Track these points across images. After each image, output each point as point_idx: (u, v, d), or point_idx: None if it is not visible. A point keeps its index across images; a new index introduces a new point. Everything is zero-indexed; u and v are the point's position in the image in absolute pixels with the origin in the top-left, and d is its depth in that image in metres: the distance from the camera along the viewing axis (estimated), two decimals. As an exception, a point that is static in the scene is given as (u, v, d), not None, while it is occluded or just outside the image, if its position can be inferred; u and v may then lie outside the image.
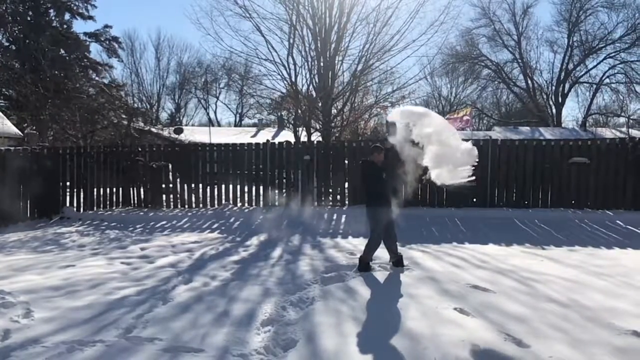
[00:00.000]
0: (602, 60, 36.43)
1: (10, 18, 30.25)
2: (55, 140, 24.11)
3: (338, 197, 12.04)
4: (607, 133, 28.70)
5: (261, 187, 12.20)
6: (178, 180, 12.66)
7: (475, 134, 26.27)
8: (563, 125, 37.89)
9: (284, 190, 12.16)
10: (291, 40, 16.63)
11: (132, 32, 60.19)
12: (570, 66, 37.44)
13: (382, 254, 6.61)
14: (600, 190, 10.99)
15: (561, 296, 5.18)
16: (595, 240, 8.61)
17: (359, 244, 7.72)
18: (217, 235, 9.37)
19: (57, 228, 10.50)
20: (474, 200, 11.24)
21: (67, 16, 32.68)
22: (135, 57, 47.07)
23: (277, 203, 12.01)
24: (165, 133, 21.82)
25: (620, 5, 34.72)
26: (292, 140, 16.14)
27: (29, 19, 30.76)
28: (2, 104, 27.64)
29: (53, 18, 32.48)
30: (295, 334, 4.26)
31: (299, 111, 18.73)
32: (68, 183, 12.48)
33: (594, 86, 37.30)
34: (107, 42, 34.88)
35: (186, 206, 12.36)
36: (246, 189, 12.31)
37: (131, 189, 12.60)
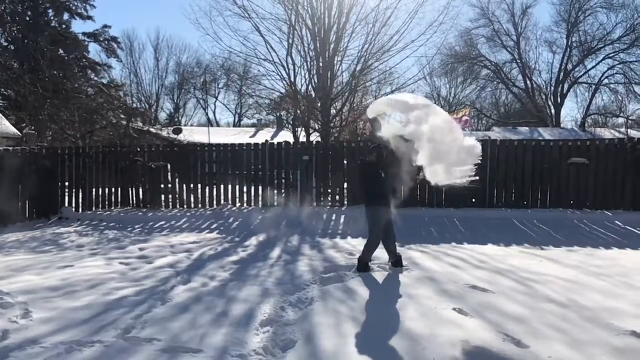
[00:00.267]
0: (601, 61, 36.56)
1: (9, 18, 30.21)
2: (53, 140, 24.09)
3: (337, 197, 12.04)
4: (606, 133, 28.74)
5: (260, 187, 12.19)
6: (177, 180, 12.64)
7: (474, 134, 26.28)
8: (562, 125, 37.95)
9: (282, 191, 12.16)
10: (290, 41, 16.63)
11: (131, 32, 60.37)
12: (569, 66, 37.52)
13: (381, 254, 6.60)
14: (599, 191, 11.00)
15: (560, 296, 5.18)
16: (594, 240, 8.62)
17: (358, 244, 7.72)
18: (216, 236, 9.36)
19: (56, 228, 10.48)
20: (473, 200, 11.25)
21: (65, 16, 32.65)
22: (134, 57, 47.14)
23: (275, 203, 12.01)
24: (164, 133, 21.83)
25: (619, 6, 34.85)
26: (291, 140, 16.13)
27: (27, 18, 30.72)
28: (0, 104, 27.63)
29: (52, 18, 32.45)
30: (294, 334, 4.25)
31: (298, 111, 18.73)
32: (67, 183, 12.46)
33: (593, 86, 37.40)
34: (106, 42, 34.84)
35: (185, 206, 12.35)
36: (245, 189, 12.30)
37: (130, 189, 12.58)
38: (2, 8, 29.50)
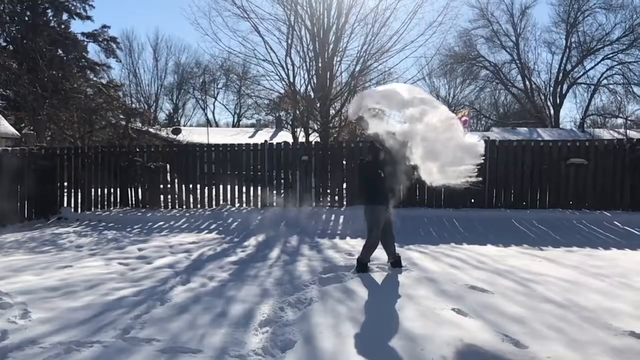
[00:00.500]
0: (600, 62, 36.61)
1: (7, 18, 30.21)
2: (52, 141, 24.04)
3: (336, 197, 12.04)
4: (605, 134, 28.77)
5: (259, 188, 12.19)
6: (176, 180, 12.65)
7: (473, 134, 26.23)
8: (561, 126, 38.00)
9: (281, 191, 12.17)
10: (289, 41, 16.63)
11: (130, 33, 60.35)
12: (568, 67, 37.57)
13: (380, 254, 6.60)
14: (598, 191, 11.02)
15: (559, 297, 5.19)
16: (592, 241, 8.63)
17: (357, 244, 7.72)
18: (215, 236, 9.36)
19: (55, 228, 10.48)
20: (472, 200, 11.25)
21: (65, 16, 32.66)
22: (133, 57, 47.18)
23: (275, 203, 12.01)
24: (164, 133, 21.76)
25: (618, 7, 34.91)
26: (290, 140, 16.15)
27: (26, 19, 30.72)
28: (-1, 104, 27.62)
29: (51, 18, 32.45)
30: (293, 334, 4.25)
31: (297, 112, 18.73)
32: (66, 183, 12.46)
33: (592, 87, 37.47)
34: (105, 43, 34.85)
35: (184, 207, 12.35)
36: (244, 189, 12.30)
37: (129, 189, 12.58)
38: (1, 8, 29.50)
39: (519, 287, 5.59)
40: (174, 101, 51.84)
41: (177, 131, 22.56)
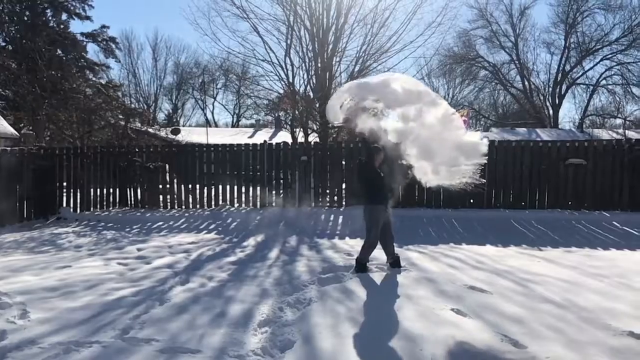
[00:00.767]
0: (598, 62, 36.68)
1: (7, 18, 30.19)
2: (52, 141, 24.02)
3: (335, 197, 12.04)
4: (604, 134, 28.79)
5: (258, 188, 12.19)
6: (175, 180, 12.65)
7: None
8: (560, 126, 38.04)
9: (281, 191, 12.17)
10: (289, 41, 16.64)
11: (129, 33, 60.13)
12: (567, 67, 37.64)
13: (379, 254, 6.60)
14: (596, 191, 11.02)
15: (558, 297, 5.19)
16: (591, 241, 8.63)
17: (356, 244, 7.71)
18: (214, 236, 9.36)
19: (54, 229, 10.47)
20: (471, 201, 11.25)
21: (64, 16, 32.63)
22: (132, 57, 47.14)
23: (274, 204, 12.01)
24: (163, 133, 21.78)
25: (617, 7, 34.98)
26: (289, 141, 16.14)
27: (25, 18, 30.70)
28: (-2, 104, 27.59)
29: (50, 18, 32.43)
30: (293, 335, 4.25)
31: (296, 112, 18.75)
32: (65, 183, 12.45)
33: (591, 87, 37.53)
34: (104, 43, 34.83)
35: (183, 207, 12.35)
36: (243, 189, 12.30)
37: (128, 189, 12.58)
38: (0, 8, 29.47)
39: (518, 288, 5.59)
40: (173, 101, 51.86)
41: (176, 131, 22.57)
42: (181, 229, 10.24)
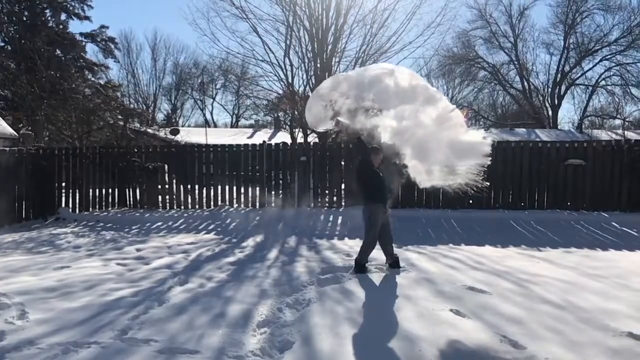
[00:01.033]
0: (598, 63, 36.63)
1: (6, 18, 30.15)
2: (50, 141, 24.03)
3: (334, 198, 12.04)
4: (603, 135, 28.79)
5: (257, 188, 12.19)
6: (174, 181, 12.64)
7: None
8: (559, 127, 38.03)
9: (280, 192, 12.16)
10: (288, 42, 16.64)
11: (128, 33, 59.80)
12: (567, 68, 37.62)
13: (378, 255, 6.60)
14: (595, 192, 11.03)
15: (557, 298, 5.19)
16: (590, 241, 8.63)
17: (355, 245, 7.71)
18: (213, 237, 9.35)
19: (53, 229, 10.46)
20: (470, 201, 11.24)
21: (63, 16, 32.56)
22: (131, 57, 46.95)
23: (273, 204, 12.01)
24: (162, 134, 21.75)
25: (616, 8, 34.95)
26: (289, 141, 16.15)
27: (24, 19, 30.64)
28: (-3, 105, 27.55)
29: (49, 18, 32.37)
30: (292, 335, 4.25)
31: (296, 112, 18.73)
32: (64, 184, 12.45)
33: (590, 88, 37.51)
34: (103, 43, 34.77)
35: (182, 207, 12.34)
36: (242, 190, 12.29)
37: (127, 189, 12.57)
38: (-1, 8, 29.46)
39: (517, 288, 5.59)
40: (172, 101, 51.73)
41: (175, 131, 22.54)
42: (180, 230, 10.23)
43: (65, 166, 12.39)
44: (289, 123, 23.27)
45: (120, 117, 19.45)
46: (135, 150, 12.90)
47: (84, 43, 33.62)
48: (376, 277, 6.13)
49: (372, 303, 5.21)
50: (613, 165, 10.99)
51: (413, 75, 5.95)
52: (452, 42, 37.15)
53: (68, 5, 32.21)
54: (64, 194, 12.41)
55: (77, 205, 12.36)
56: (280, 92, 18.56)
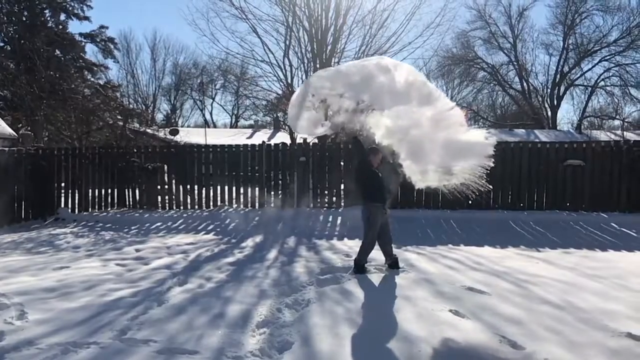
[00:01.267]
0: (597, 63, 36.68)
1: (5, 18, 30.14)
2: (50, 141, 24.02)
3: (334, 198, 12.03)
4: (602, 136, 28.81)
5: (257, 189, 12.18)
6: (173, 181, 12.63)
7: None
8: (558, 127, 38.04)
9: (279, 192, 12.16)
10: (287, 42, 16.66)
11: (127, 33, 59.68)
12: (566, 69, 37.66)
13: (377, 255, 6.60)
14: (595, 193, 11.03)
15: (556, 298, 5.20)
16: (589, 242, 8.64)
17: (355, 245, 7.71)
18: (213, 237, 9.35)
19: (52, 229, 10.45)
20: (469, 202, 11.23)
21: (62, 17, 32.56)
22: (131, 58, 46.93)
23: (272, 204, 12.00)
24: (161, 134, 21.77)
25: (615, 9, 35.03)
26: (288, 141, 16.13)
27: (24, 19, 30.64)
28: (-3, 105, 27.54)
29: (49, 18, 32.36)
30: (291, 335, 4.25)
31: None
32: (63, 184, 12.44)
33: (589, 89, 37.56)
34: (103, 43, 34.75)
35: (181, 207, 12.34)
36: (242, 190, 12.29)
37: (126, 190, 12.56)
38: (-1, 8, 29.45)
39: (516, 289, 5.59)
40: (172, 102, 51.70)
41: (174, 132, 22.55)
42: (179, 230, 10.23)
43: (65, 166, 12.39)
44: (288, 123, 23.23)
45: (119, 117, 19.45)
46: (135, 150, 12.90)
47: (83, 43, 33.63)
48: (375, 278, 6.13)
49: (372, 303, 5.21)
50: (612, 165, 11.00)
51: (410, 72, 5.74)
52: (451, 42, 37.28)
53: (67, 6, 32.21)
54: (63, 194, 12.40)
55: (77, 206, 12.36)
56: (280, 92, 18.57)
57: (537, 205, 11.27)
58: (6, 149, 12.16)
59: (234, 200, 12.28)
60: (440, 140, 5.20)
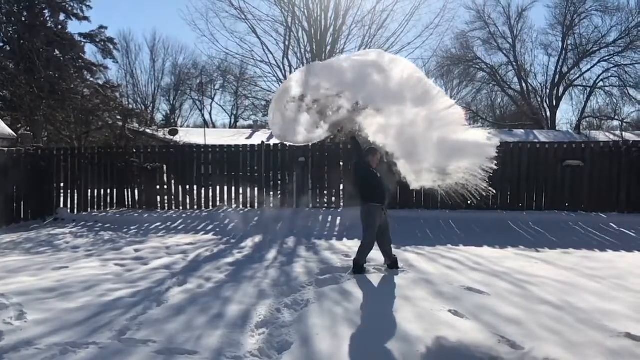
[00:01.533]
0: (596, 64, 36.74)
1: (4, 18, 30.12)
2: (49, 141, 23.99)
3: (333, 198, 12.04)
4: (601, 136, 28.85)
5: (256, 189, 12.18)
6: (173, 181, 12.63)
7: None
8: (557, 128, 38.09)
9: (278, 192, 12.16)
10: (287, 42, 16.68)
11: (127, 33, 59.99)
12: (565, 69, 37.69)
13: (376, 256, 6.61)
14: (594, 193, 11.05)
15: (555, 298, 5.20)
16: (589, 242, 8.65)
17: (354, 245, 7.71)
18: (212, 237, 9.35)
19: (51, 229, 10.45)
20: (469, 202, 11.23)
21: (62, 17, 32.51)
22: (130, 58, 47.01)
23: (271, 205, 12.00)
24: (160, 134, 21.73)
25: (614, 9, 35.07)
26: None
27: (23, 19, 30.62)
28: (-4, 105, 27.51)
29: (48, 19, 32.31)
30: (290, 336, 4.25)
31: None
32: (62, 184, 12.44)
33: (588, 89, 37.60)
34: (102, 43, 34.72)
35: (181, 208, 12.34)
36: (241, 190, 12.29)
37: (125, 190, 12.55)
38: (-2, 8, 29.42)
39: (515, 289, 5.60)
40: (171, 102, 51.71)
41: (174, 132, 22.54)
42: (179, 230, 10.22)
43: (64, 166, 12.38)
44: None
45: (119, 117, 19.41)
46: (134, 150, 12.89)
47: (82, 43, 33.59)
48: (375, 278, 6.13)
49: (371, 304, 5.21)
50: (611, 166, 11.01)
51: (405, 69, 5.55)
52: (450, 43, 37.32)
53: (67, 6, 32.17)
54: (62, 195, 12.40)
55: (76, 206, 12.35)
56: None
57: (536, 205, 11.27)
58: (5, 149, 12.15)
59: (233, 201, 12.28)
60: (433, 139, 5.16)
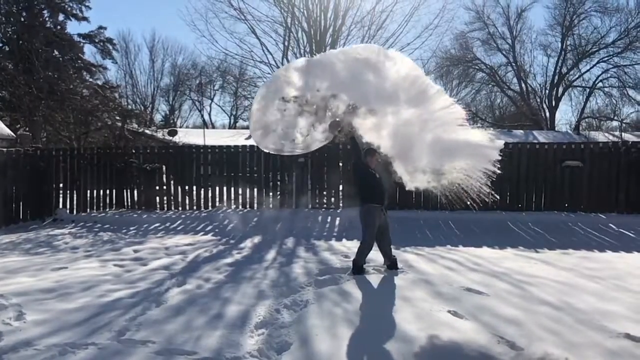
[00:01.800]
0: (595, 64, 36.75)
1: (3, 18, 30.11)
2: (48, 142, 23.97)
3: (332, 199, 12.03)
4: (600, 137, 28.85)
5: (255, 189, 12.18)
6: (172, 182, 12.63)
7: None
8: (556, 128, 38.09)
9: (278, 193, 12.15)
10: (286, 43, 16.67)
11: (126, 34, 60.25)
12: (564, 70, 37.71)
13: (376, 256, 6.60)
14: (593, 194, 11.05)
15: (554, 299, 5.20)
16: (588, 243, 8.66)
17: (353, 246, 7.71)
18: (211, 238, 9.35)
19: (50, 230, 10.44)
20: (468, 203, 11.22)
21: (61, 17, 32.52)
22: (129, 58, 46.98)
23: (271, 205, 12.00)
24: (160, 135, 21.73)
25: (614, 10, 35.09)
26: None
27: (22, 19, 30.61)
28: (-5, 105, 27.48)
29: (47, 19, 32.31)
30: (289, 336, 4.25)
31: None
32: (61, 185, 12.43)
33: (588, 90, 37.61)
34: (101, 44, 34.73)
35: (180, 208, 12.33)
36: (240, 191, 12.28)
37: (125, 190, 12.54)
38: (-3, 8, 29.40)
39: (514, 289, 5.60)
40: (170, 102, 51.68)
41: (173, 133, 22.55)
42: (178, 231, 10.22)
43: (63, 167, 12.37)
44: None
45: (118, 118, 19.40)
46: (133, 151, 12.88)
47: (81, 44, 33.60)
48: (374, 279, 6.13)
49: (370, 304, 5.21)
50: (610, 166, 11.02)
51: (402, 67, 5.34)
52: (449, 43, 37.34)
53: (66, 6, 32.17)
54: (61, 195, 12.39)
55: (75, 206, 12.34)
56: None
57: (536, 206, 11.28)
58: (4, 149, 12.14)
59: (232, 201, 12.27)
60: (427, 140, 5.08)
